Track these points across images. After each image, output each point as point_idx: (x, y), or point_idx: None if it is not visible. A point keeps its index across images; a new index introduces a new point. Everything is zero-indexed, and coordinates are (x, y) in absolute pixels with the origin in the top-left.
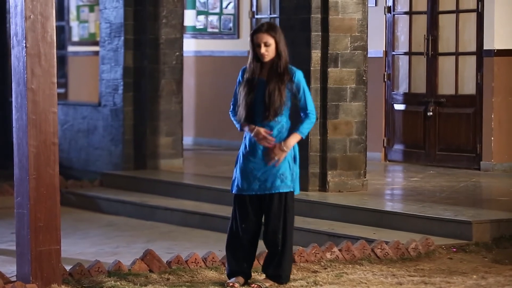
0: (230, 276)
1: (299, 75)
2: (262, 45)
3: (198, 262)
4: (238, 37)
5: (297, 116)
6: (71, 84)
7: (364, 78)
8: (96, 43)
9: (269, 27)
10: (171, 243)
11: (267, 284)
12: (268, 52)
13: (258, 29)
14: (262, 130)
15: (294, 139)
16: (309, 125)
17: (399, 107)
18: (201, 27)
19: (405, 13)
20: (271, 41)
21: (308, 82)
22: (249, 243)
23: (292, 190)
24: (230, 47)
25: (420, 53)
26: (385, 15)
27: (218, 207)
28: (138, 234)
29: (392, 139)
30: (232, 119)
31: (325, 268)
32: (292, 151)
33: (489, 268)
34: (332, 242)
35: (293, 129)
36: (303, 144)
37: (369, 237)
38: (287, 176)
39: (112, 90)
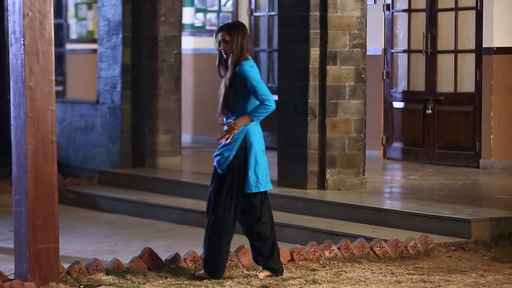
0: None
1: (242, 67)
2: (222, 42)
3: (196, 260)
4: None
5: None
6: (69, 81)
7: (363, 76)
8: (94, 41)
9: (228, 26)
10: (169, 241)
11: (261, 275)
12: (225, 49)
13: (220, 28)
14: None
15: (243, 118)
16: (262, 110)
17: (398, 105)
18: (200, 24)
19: (404, 10)
20: (228, 38)
21: (307, 80)
22: (246, 234)
23: (224, 170)
24: None
25: (419, 51)
26: (384, 12)
27: None
28: (136, 232)
29: (391, 137)
30: None
31: (324, 266)
32: (245, 142)
33: (488, 266)
34: (330, 240)
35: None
36: (301, 142)
37: (368, 235)
38: (223, 163)
39: (110, 88)
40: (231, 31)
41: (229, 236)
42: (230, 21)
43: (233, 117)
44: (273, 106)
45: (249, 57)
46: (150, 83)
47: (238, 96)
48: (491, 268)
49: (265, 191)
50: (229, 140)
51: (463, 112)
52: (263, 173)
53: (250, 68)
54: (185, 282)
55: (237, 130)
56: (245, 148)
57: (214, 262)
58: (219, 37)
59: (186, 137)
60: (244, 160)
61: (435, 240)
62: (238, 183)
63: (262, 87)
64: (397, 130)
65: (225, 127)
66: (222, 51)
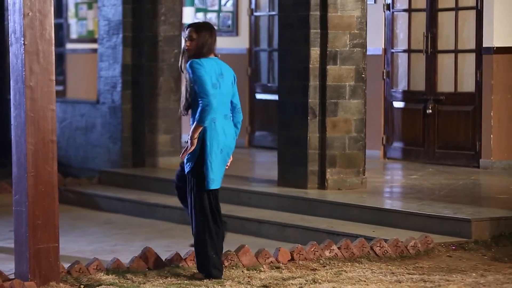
0: None
1: (190, 63)
2: (188, 39)
3: None
4: (237, 35)
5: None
6: (70, 81)
7: (363, 75)
8: (94, 41)
9: (197, 25)
10: (170, 241)
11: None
12: (190, 46)
13: (188, 25)
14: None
15: (195, 128)
16: (201, 112)
17: (398, 104)
18: None
19: (404, 10)
20: (194, 36)
21: (307, 80)
22: None
23: (188, 170)
24: (229, 45)
25: (419, 51)
26: (384, 12)
27: None
28: (137, 232)
29: (391, 136)
30: None
31: (324, 266)
32: (202, 141)
33: (488, 266)
34: (331, 240)
35: None
36: (301, 142)
37: (368, 235)
38: (187, 162)
39: (110, 88)
40: (198, 29)
41: (214, 236)
42: (204, 21)
43: (193, 115)
44: (209, 105)
45: (213, 56)
46: (150, 83)
47: (194, 94)
48: (491, 268)
49: (216, 193)
50: (186, 153)
51: (463, 112)
52: (216, 171)
53: (196, 65)
54: (185, 281)
55: (195, 140)
56: (202, 146)
57: (205, 264)
58: (186, 33)
59: (186, 137)
60: (202, 158)
61: (436, 240)
62: (200, 181)
63: (201, 85)
64: (397, 130)
65: (188, 143)
66: (186, 48)
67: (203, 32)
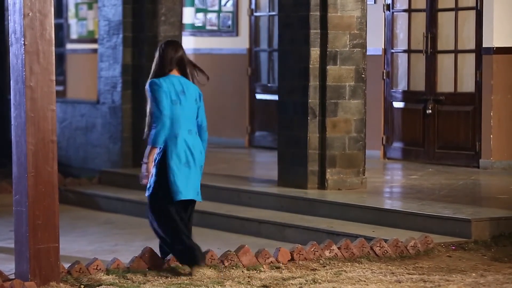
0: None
1: (146, 85)
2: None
3: None
4: (237, 35)
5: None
6: (70, 81)
7: (363, 75)
8: (94, 41)
9: (163, 43)
10: None
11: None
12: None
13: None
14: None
15: (149, 150)
16: (154, 135)
17: (398, 105)
18: (200, 24)
19: (404, 10)
20: (156, 54)
21: (307, 80)
22: None
23: (147, 194)
24: (229, 45)
25: (419, 51)
26: (384, 12)
27: (216, 205)
28: (137, 232)
29: (391, 137)
30: None
31: (324, 266)
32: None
33: (488, 266)
34: (331, 240)
35: None
36: (301, 142)
37: (368, 235)
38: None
39: (110, 88)
40: (160, 48)
41: (181, 227)
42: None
43: None
44: (159, 127)
45: (170, 73)
46: None
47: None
48: (491, 268)
49: (185, 205)
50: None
51: (463, 112)
52: (181, 182)
53: (154, 86)
54: (185, 281)
55: (151, 163)
56: (163, 161)
57: (188, 254)
58: None
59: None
60: (165, 172)
61: (435, 240)
62: (165, 195)
63: (156, 106)
64: (397, 130)
65: (143, 167)
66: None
67: (166, 50)
